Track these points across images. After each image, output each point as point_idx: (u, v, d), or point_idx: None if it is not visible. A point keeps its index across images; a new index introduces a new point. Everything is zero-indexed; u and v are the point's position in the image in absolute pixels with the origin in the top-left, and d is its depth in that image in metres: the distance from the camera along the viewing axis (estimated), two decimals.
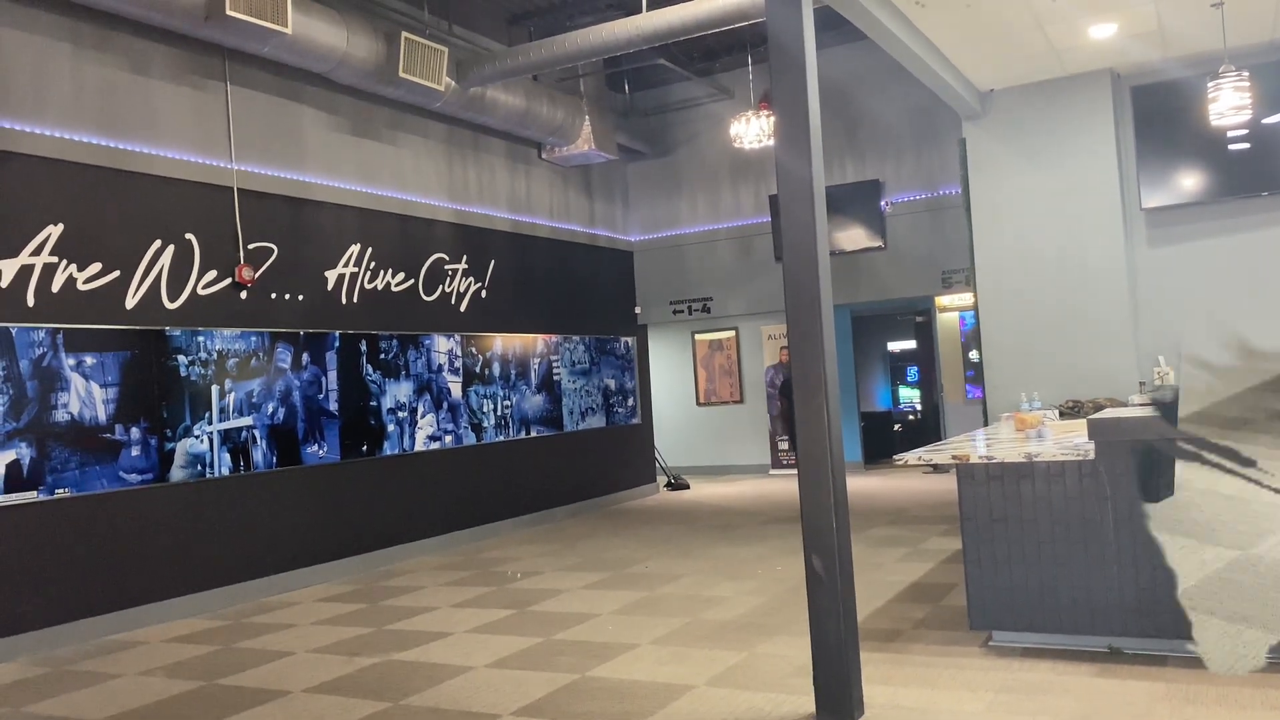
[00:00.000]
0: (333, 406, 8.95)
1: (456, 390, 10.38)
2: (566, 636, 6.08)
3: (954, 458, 5.24)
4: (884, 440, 15.36)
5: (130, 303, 7.42)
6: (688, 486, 14.39)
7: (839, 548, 4.27)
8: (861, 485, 13.44)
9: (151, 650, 6.51)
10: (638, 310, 13.89)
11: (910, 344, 16.14)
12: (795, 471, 14.26)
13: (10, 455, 6.59)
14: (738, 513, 11.35)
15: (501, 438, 10.99)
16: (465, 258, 10.68)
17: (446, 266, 10.42)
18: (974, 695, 4.50)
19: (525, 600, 7.24)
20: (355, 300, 9.29)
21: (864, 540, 8.96)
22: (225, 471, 8.00)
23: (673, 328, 16.08)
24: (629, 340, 13.68)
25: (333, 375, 8.98)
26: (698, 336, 16.58)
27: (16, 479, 6.61)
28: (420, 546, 9.70)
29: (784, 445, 15.36)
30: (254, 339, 8.31)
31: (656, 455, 14.46)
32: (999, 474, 5.12)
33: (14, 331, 6.67)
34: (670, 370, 16.86)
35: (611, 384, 13.13)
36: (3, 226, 6.69)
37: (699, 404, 16.74)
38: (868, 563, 7.87)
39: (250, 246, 8.35)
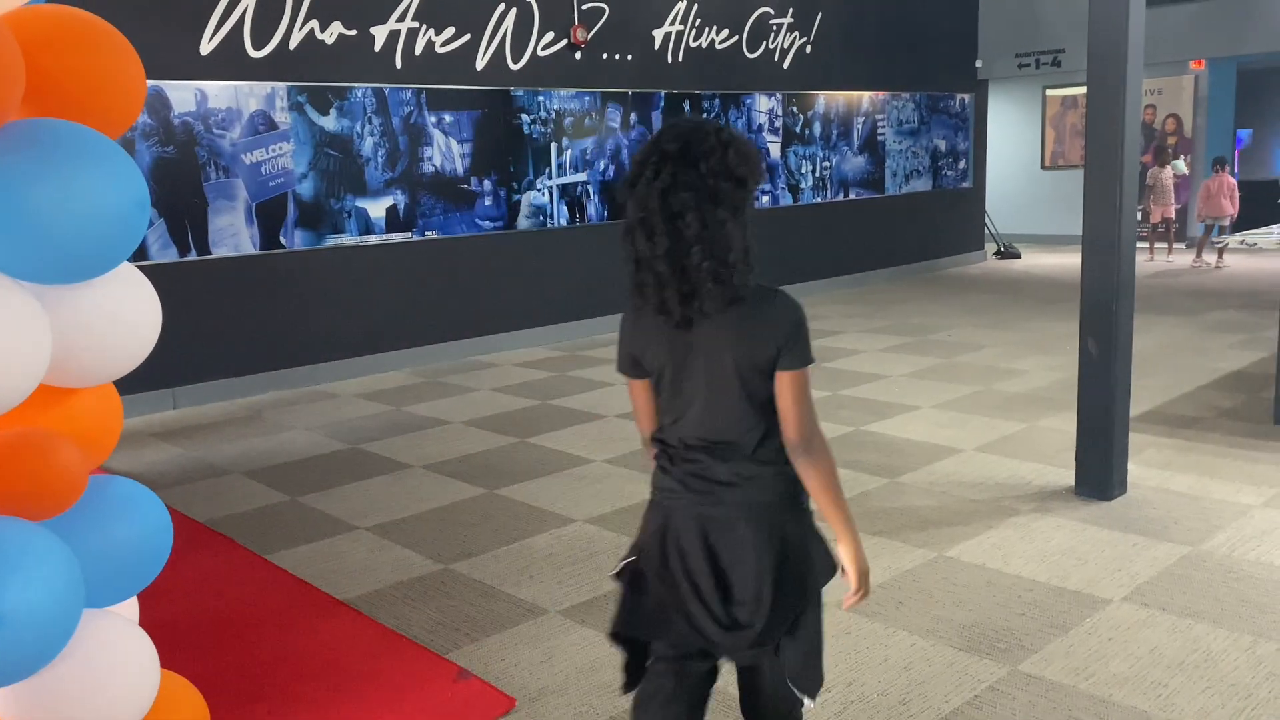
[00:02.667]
0: None
1: (775, 151, 10.54)
2: (853, 393, 6.45)
3: None
4: (1264, 213, 13.61)
5: (480, 64, 8.20)
6: (1019, 255, 13.81)
7: (1118, 331, 4.19)
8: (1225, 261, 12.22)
9: (502, 371, 7.70)
10: (978, 64, 12.98)
11: None
12: (1149, 245, 13.21)
13: (389, 200, 7.79)
14: (1068, 286, 10.84)
15: (819, 199, 11.10)
16: (791, 10, 10.48)
17: (771, 21, 10.32)
18: (1255, 489, 4.37)
19: (823, 357, 7.64)
20: (680, 59, 9.55)
21: (1197, 324, 8.37)
22: (563, 223, 8.89)
23: (1017, 83, 14.88)
24: (965, 97, 12.92)
25: None
26: (1049, 92, 15.25)
27: (395, 221, 7.84)
28: None
29: (1138, 218, 14.11)
30: (587, 99, 8.90)
31: (987, 221, 13.90)
32: None
33: (387, 91, 7.68)
34: (1011, 130, 15.75)
35: (942, 145, 12.61)
36: None
37: (1044, 167, 15.65)
38: (1191, 347, 7.42)
39: (584, 7, 8.78)
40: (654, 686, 2.00)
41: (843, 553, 1.97)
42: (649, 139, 1.93)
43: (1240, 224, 13.42)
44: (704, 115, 9.75)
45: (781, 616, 1.91)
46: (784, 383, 1.88)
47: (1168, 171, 12.46)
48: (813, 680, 1.99)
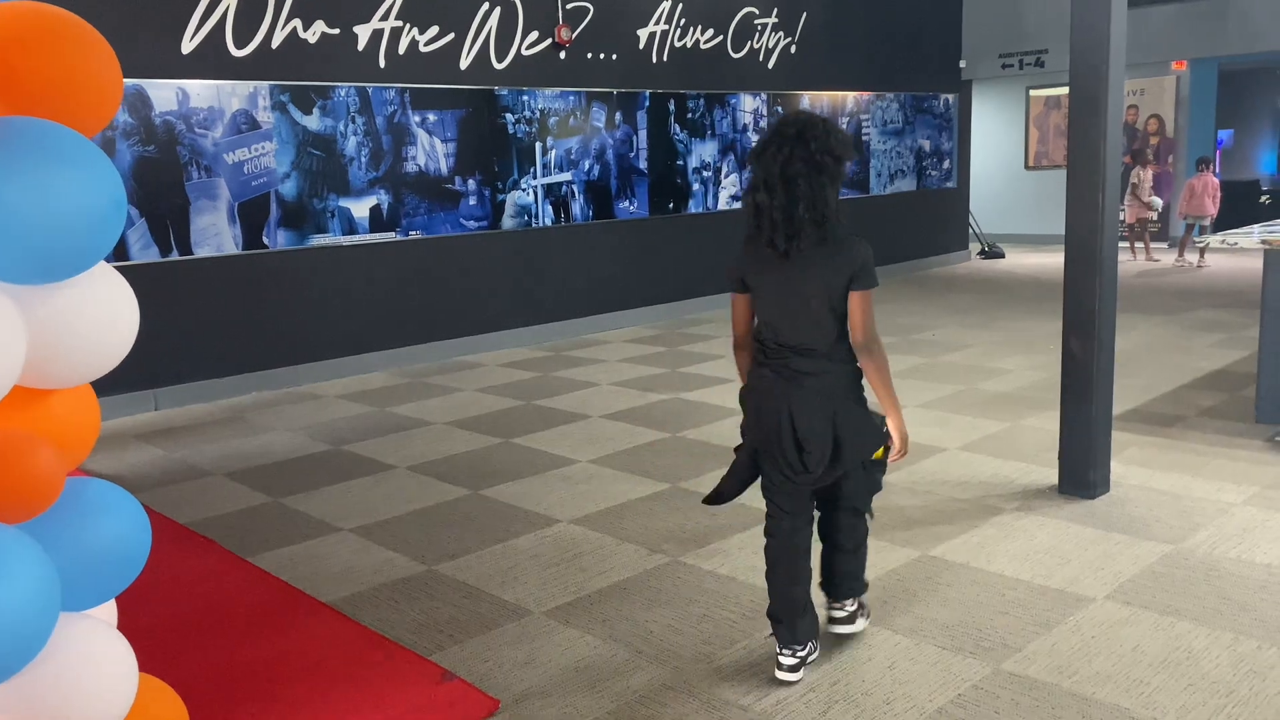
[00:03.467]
0: (642, 165, 9.48)
1: None
2: None
3: (1264, 242, 4.82)
4: (1244, 212, 13.72)
5: (464, 63, 8.18)
6: (1002, 255, 13.87)
7: (1100, 331, 4.21)
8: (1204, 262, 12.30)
9: (487, 371, 7.68)
10: (962, 64, 13.04)
11: None
12: (1129, 244, 13.29)
13: (373, 200, 7.76)
14: (1051, 285, 10.91)
15: None
16: (776, 11, 10.50)
17: (756, 21, 10.33)
18: (1236, 487, 4.39)
19: None
20: (665, 59, 9.55)
21: (1181, 322, 8.42)
22: (548, 222, 8.88)
23: (1001, 84, 14.95)
24: (949, 97, 12.97)
25: (643, 134, 9.45)
26: (1033, 92, 15.32)
27: (378, 221, 7.81)
28: (720, 300, 10.31)
29: (1121, 216, 14.20)
30: (571, 98, 8.89)
31: (971, 221, 13.96)
32: None
33: (370, 91, 7.65)
34: (995, 130, 15.83)
35: (926, 145, 12.65)
36: None
37: (1027, 167, 15.72)
38: (1175, 345, 7.47)
39: (568, 7, 8.77)
40: (774, 525, 2.99)
41: (890, 424, 2.88)
42: (773, 124, 2.84)
43: (1221, 223, 13.52)
44: (688, 115, 9.76)
45: (840, 466, 2.83)
46: (855, 300, 2.76)
47: (1149, 173, 12.52)
48: (865, 503, 3.02)
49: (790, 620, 2.92)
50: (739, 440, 3.03)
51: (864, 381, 2.85)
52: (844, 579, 3.11)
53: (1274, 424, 5.01)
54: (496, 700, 2.90)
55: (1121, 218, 11.91)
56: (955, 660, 3.02)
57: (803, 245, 2.69)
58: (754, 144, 2.99)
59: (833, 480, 2.89)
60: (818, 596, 3.10)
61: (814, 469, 2.81)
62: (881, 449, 2.90)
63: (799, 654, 2.92)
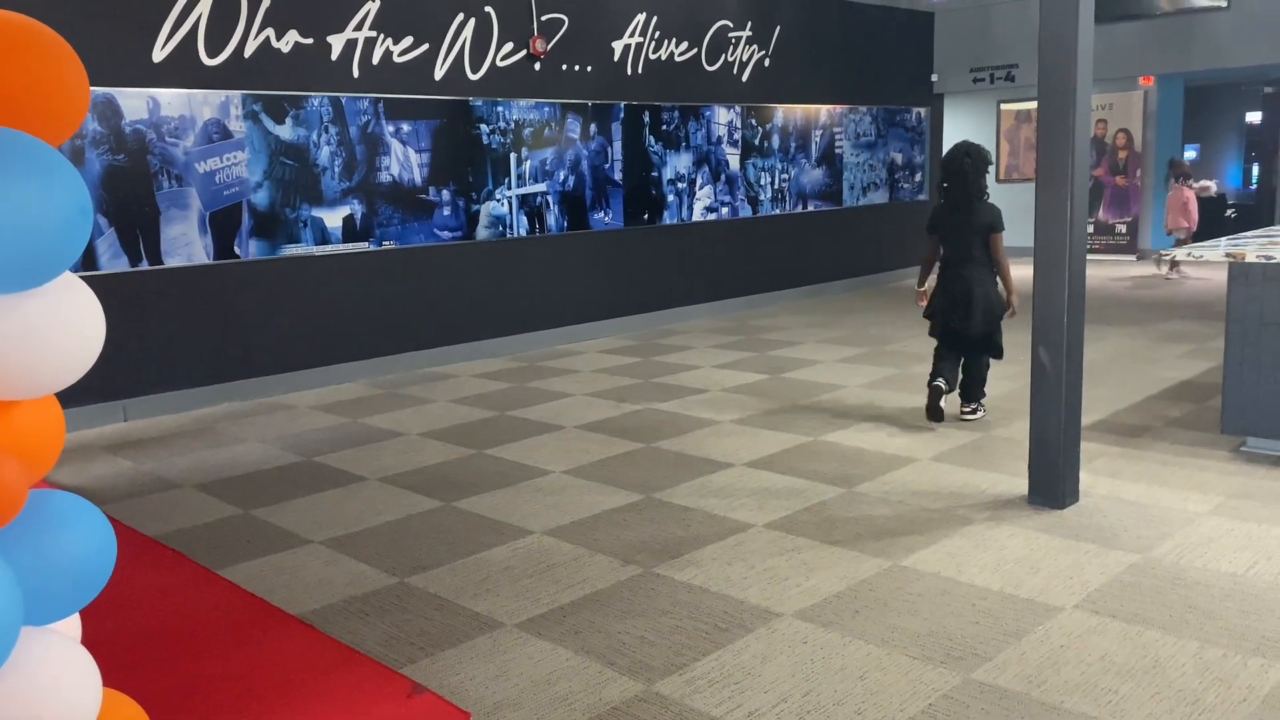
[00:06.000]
0: (617, 176, 9.50)
1: (734, 163, 10.60)
2: (810, 403, 6.49)
3: (1228, 256, 4.89)
4: (1211, 226, 13.91)
5: (438, 74, 8.17)
6: None
7: (1068, 343, 4.26)
8: (1172, 274, 12.46)
9: (460, 382, 7.65)
10: (934, 78, 13.17)
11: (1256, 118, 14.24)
12: (1101, 257, 13.44)
13: (345, 210, 7.72)
14: (1023, 297, 10.98)
15: (777, 211, 11.18)
16: (750, 24, 10.57)
17: (730, 34, 10.39)
18: (1204, 496, 4.45)
19: (780, 367, 7.68)
20: (640, 71, 9.59)
21: (1150, 334, 8.53)
22: (523, 233, 8.87)
23: (972, 98, 15.11)
24: (921, 111, 13.09)
25: (617, 146, 9.47)
26: (1003, 106, 15.49)
27: (351, 231, 7.77)
28: (694, 311, 10.35)
29: (1090, 229, 14.36)
30: (546, 109, 8.90)
31: None
32: (1278, 276, 4.74)
33: (343, 100, 7.62)
34: None
35: (898, 158, 12.76)
36: (330, 3, 7.52)
37: (999, 180, 15.86)
38: (1143, 357, 7.56)
39: (543, 18, 8.79)
40: (942, 352, 5.85)
41: (1010, 299, 5.78)
42: (954, 147, 5.82)
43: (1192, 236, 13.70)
44: (663, 127, 9.79)
45: (986, 326, 5.73)
46: (994, 240, 5.72)
47: (1191, 193, 12.20)
48: (996, 348, 5.84)
49: (937, 373, 5.82)
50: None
51: (996, 276, 5.76)
52: (974, 386, 5.92)
53: (1239, 434, 5.08)
54: (467, 713, 2.88)
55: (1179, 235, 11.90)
56: (926, 670, 3.03)
57: (965, 207, 5.72)
58: (943, 155, 6.08)
59: (977, 332, 5.71)
60: (951, 410, 5.99)
61: (973, 320, 5.67)
62: (1008, 310, 5.76)
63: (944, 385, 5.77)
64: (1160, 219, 14.26)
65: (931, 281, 5.93)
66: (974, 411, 5.85)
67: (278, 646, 3.37)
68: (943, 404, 5.71)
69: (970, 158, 5.63)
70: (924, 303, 5.89)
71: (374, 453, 5.71)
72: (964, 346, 5.77)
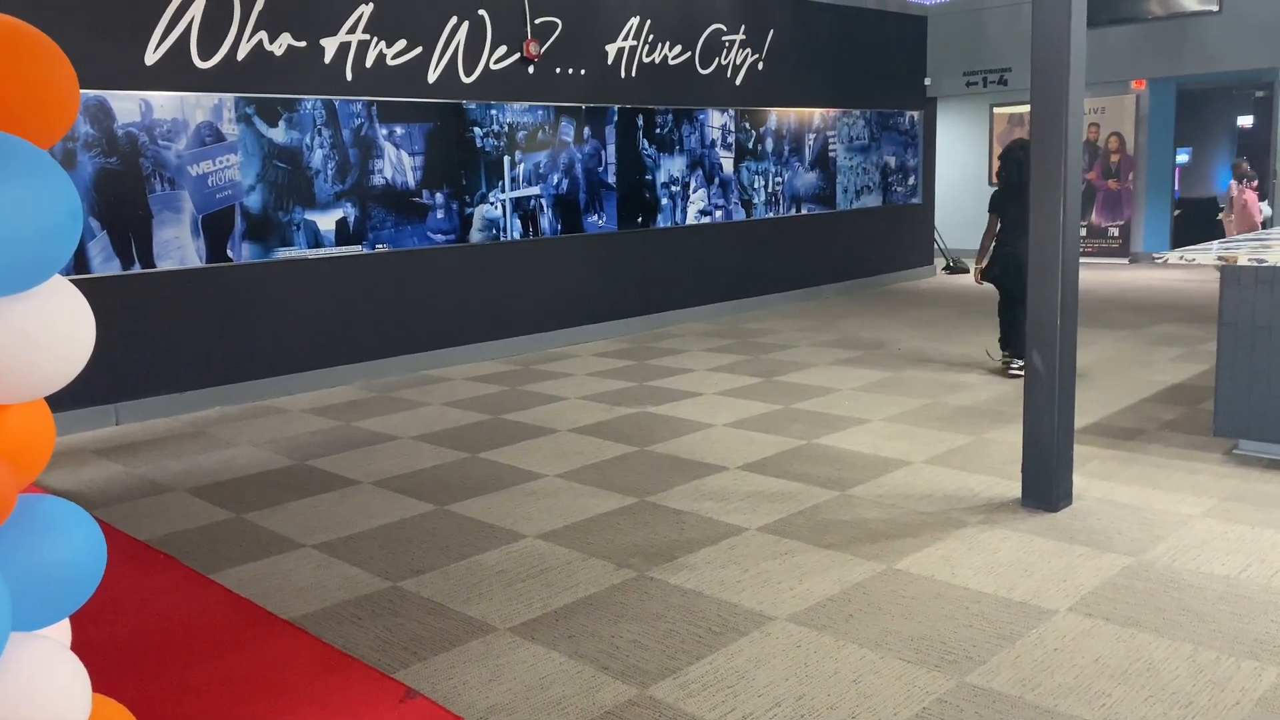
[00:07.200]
0: (611, 179, 9.50)
1: (728, 166, 10.61)
2: (804, 406, 6.49)
3: (1220, 259, 4.90)
4: (1202, 229, 13.96)
5: (432, 77, 8.16)
6: (967, 270, 14.00)
7: (1061, 346, 4.26)
8: (1165, 277, 12.51)
9: (454, 385, 7.64)
10: (927, 81, 13.19)
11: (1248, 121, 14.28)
12: (1092, 260, 13.48)
13: (339, 213, 7.71)
14: None
15: (771, 214, 11.19)
16: (743, 28, 10.58)
17: (724, 38, 10.40)
18: (1196, 499, 4.46)
19: (774, 370, 7.68)
20: (633, 74, 9.59)
21: (1143, 337, 8.55)
22: (517, 236, 8.86)
23: (966, 101, 15.15)
24: (914, 114, 13.12)
25: (611, 149, 9.47)
26: (996, 110, 15.54)
27: (345, 234, 7.76)
28: (688, 314, 10.35)
29: (1082, 231, 14.39)
30: (540, 113, 8.90)
31: (936, 236, 14.10)
32: (1270, 279, 4.76)
33: (337, 103, 7.61)
34: (959, 147, 16.02)
35: (891, 161, 12.78)
36: (324, 6, 7.51)
37: (991, 184, 15.90)
38: (1136, 360, 7.57)
39: (537, 21, 8.79)
40: (1004, 310, 7.34)
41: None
42: (1009, 143, 7.39)
43: (1180, 240, 13.75)
44: (656, 130, 9.79)
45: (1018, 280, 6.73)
46: None
47: (1251, 194, 12.07)
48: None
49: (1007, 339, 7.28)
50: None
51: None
52: (1017, 340, 7.00)
53: (1232, 437, 5.09)
54: (461, 718, 2.87)
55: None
56: (920, 674, 3.03)
57: (1014, 193, 6.97)
58: (1002, 149, 7.60)
59: (1024, 294, 5.36)
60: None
61: (1023, 282, 5.44)
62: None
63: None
64: (1158, 222, 14.32)
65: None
66: (1017, 365, 7.02)
67: (270, 651, 3.36)
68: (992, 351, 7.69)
69: (1024, 152, 6.71)
70: (981, 265, 7.41)
71: (367, 456, 5.70)
72: (1014, 304, 7.01)
